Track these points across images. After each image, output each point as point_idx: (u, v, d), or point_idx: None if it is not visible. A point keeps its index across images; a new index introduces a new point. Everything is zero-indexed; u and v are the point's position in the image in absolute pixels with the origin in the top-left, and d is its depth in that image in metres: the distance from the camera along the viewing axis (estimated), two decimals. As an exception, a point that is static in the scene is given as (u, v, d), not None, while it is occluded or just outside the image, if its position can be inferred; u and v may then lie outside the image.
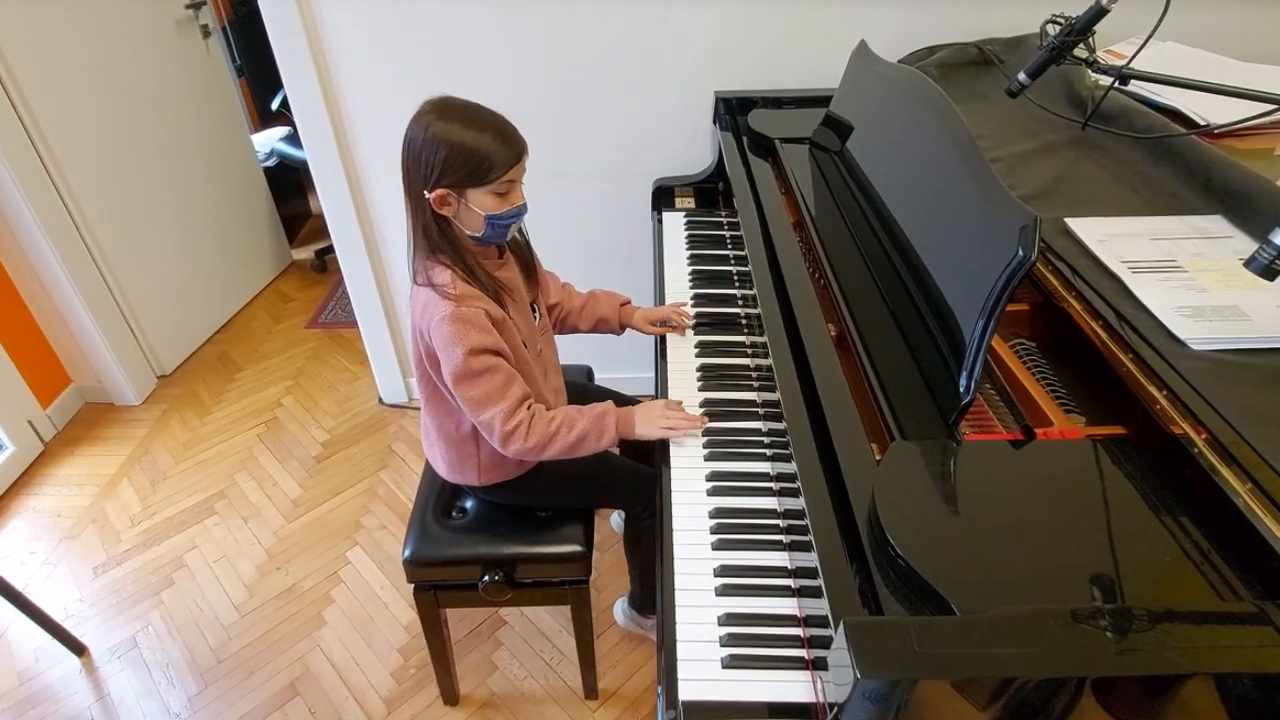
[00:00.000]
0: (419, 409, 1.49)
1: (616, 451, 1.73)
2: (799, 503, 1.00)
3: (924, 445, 0.93)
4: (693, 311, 1.58)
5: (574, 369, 1.83)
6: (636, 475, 1.54)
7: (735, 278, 1.72)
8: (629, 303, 1.63)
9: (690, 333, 1.55)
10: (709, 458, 1.26)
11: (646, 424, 1.32)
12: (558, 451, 1.30)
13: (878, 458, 0.96)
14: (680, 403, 1.34)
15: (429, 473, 1.58)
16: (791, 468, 1.06)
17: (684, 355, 1.50)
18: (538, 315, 1.44)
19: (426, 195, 1.19)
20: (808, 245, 1.43)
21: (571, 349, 1.88)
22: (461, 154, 1.16)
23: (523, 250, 1.40)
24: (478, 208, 1.21)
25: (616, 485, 1.54)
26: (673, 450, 1.27)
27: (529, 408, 1.29)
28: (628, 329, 1.61)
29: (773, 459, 1.24)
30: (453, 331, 1.21)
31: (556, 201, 2.21)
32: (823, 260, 1.31)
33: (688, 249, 1.83)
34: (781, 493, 1.18)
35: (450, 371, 1.23)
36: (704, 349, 1.51)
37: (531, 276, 1.42)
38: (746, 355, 1.49)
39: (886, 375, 1.05)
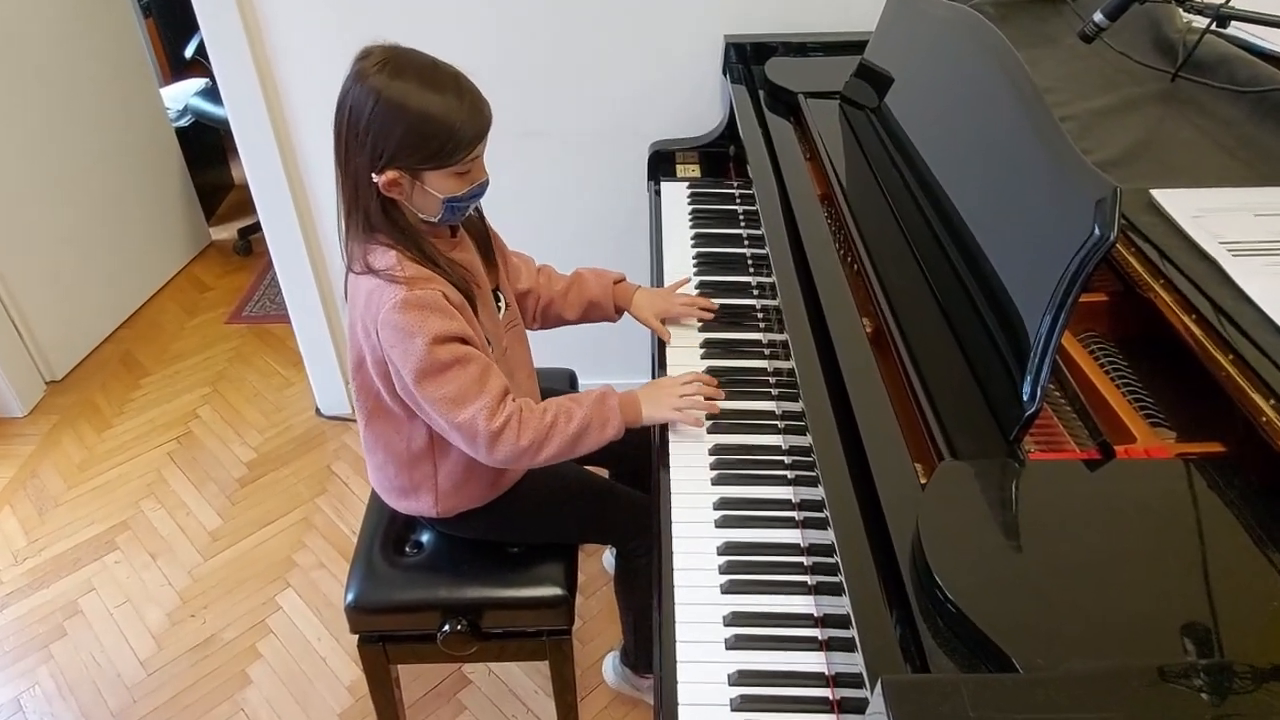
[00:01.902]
0: (364, 422, 1.49)
1: (606, 474, 1.73)
2: (826, 536, 1.00)
3: (979, 466, 0.93)
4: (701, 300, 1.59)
5: (552, 374, 1.84)
6: (630, 503, 1.54)
7: (750, 262, 1.71)
8: (624, 280, 1.62)
9: (695, 330, 1.55)
10: (718, 481, 1.26)
11: (656, 404, 1.33)
12: (557, 449, 1.30)
13: (923, 481, 0.96)
14: (693, 379, 1.36)
15: (376, 500, 1.58)
16: (818, 493, 1.05)
17: (688, 357, 1.50)
18: (502, 305, 1.45)
19: (375, 179, 1.19)
20: (838, 223, 1.43)
21: (548, 348, 1.87)
22: (423, 129, 1.15)
23: (477, 226, 1.41)
24: (436, 190, 1.21)
25: (606, 515, 1.55)
26: (674, 472, 1.28)
27: (514, 400, 1.29)
28: (625, 314, 1.61)
29: (795, 483, 1.24)
30: (408, 320, 1.20)
31: (529, 169, 2.21)
32: (856, 241, 1.31)
33: (692, 228, 1.82)
34: (805, 524, 1.17)
35: (412, 369, 1.22)
36: (712, 349, 1.51)
37: (490, 258, 1.43)
38: (763, 357, 1.49)
39: (934, 381, 1.04)
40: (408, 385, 1.25)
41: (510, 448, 1.27)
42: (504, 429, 1.26)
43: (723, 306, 1.59)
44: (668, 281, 1.66)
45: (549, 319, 1.60)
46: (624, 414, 1.33)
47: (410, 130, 1.15)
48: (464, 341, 1.25)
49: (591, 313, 1.61)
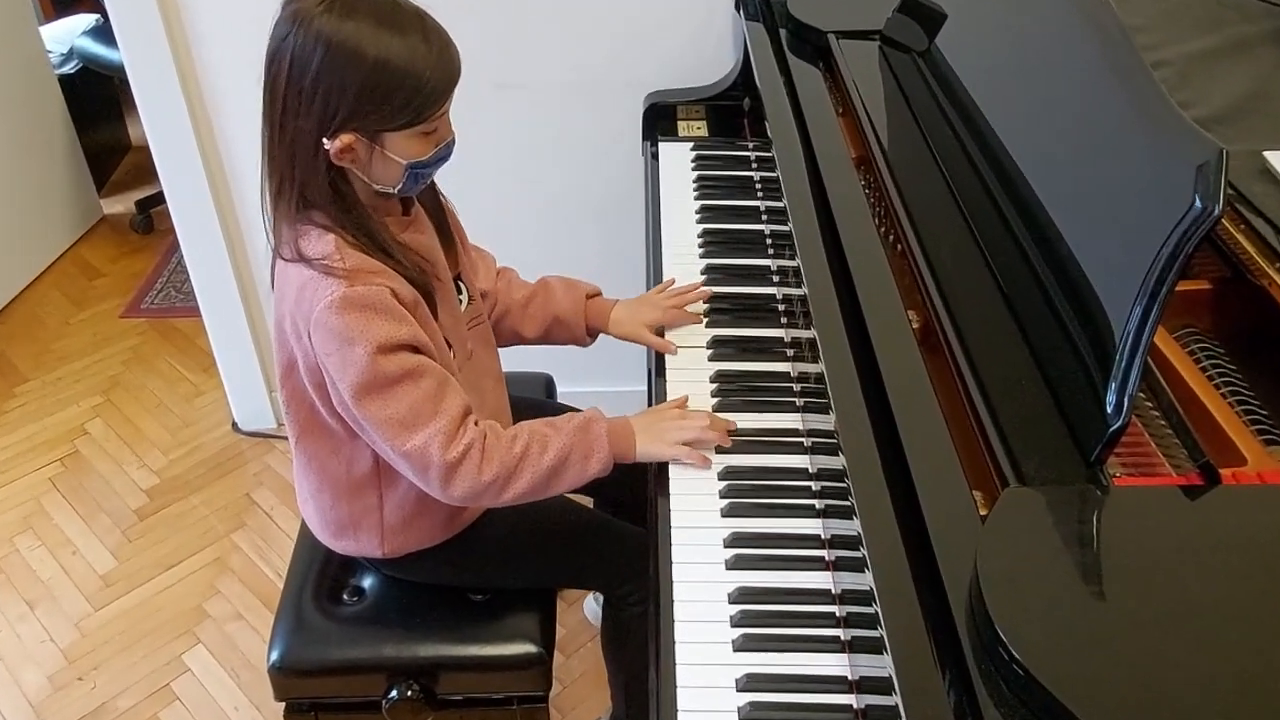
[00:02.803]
0: (293, 440, 1.48)
1: (590, 504, 1.73)
2: (863, 580, 0.99)
3: (1052, 494, 0.92)
4: (703, 294, 1.60)
5: (525, 380, 1.83)
6: (620, 540, 1.54)
7: (768, 242, 1.70)
8: (600, 294, 1.63)
9: (701, 327, 1.55)
10: (730, 512, 1.26)
11: (652, 437, 1.33)
12: (527, 487, 1.30)
13: (983, 512, 0.96)
14: (704, 418, 1.34)
15: (308, 536, 1.57)
16: (852, 527, 1.05)
17: (692, 360, 1.49)
18: (465, 298, 1.45)
19: (326, 144, 1.19)
20: (878, 193, 1.42)
21: (520, 349, 1.87)
22: (385, 82, 1.16)
23: (430, 200, 1.42)
24: (398, 155, 1.22)
25: (591, 554, 1.55)
26: (676, 502, 1.27)
27: (476, 424, 1.29)
28: (599, 336, 1.62)
29: (824, 515, 1.23)
30: (347, 323, 1.20)
31: (495, 130, 2.21)
32: (900, 215, 1.31)
33: (697, 199, 1.81)
34: (837, 565, 1.17)
35: (352, 383, 1.23)
36: (722, 350, 1.51)
37: (449, 238, 1.44)
38: (785, 359, 1.48)
39: (997, 388, 1.04)
40: (345, 401, 1.26)
41: (469, 483, 1.27)
42: (463, 460, 1.26)
43: (735, 297, 1.60)
44: (667, 269, 1.66)
45: (502, 334, 1.60)
46: (613, 446, 1.33)
47: (369, 84, 1.15)
48: (416, 350, 1.25)
49: (556, 332, 1.61)
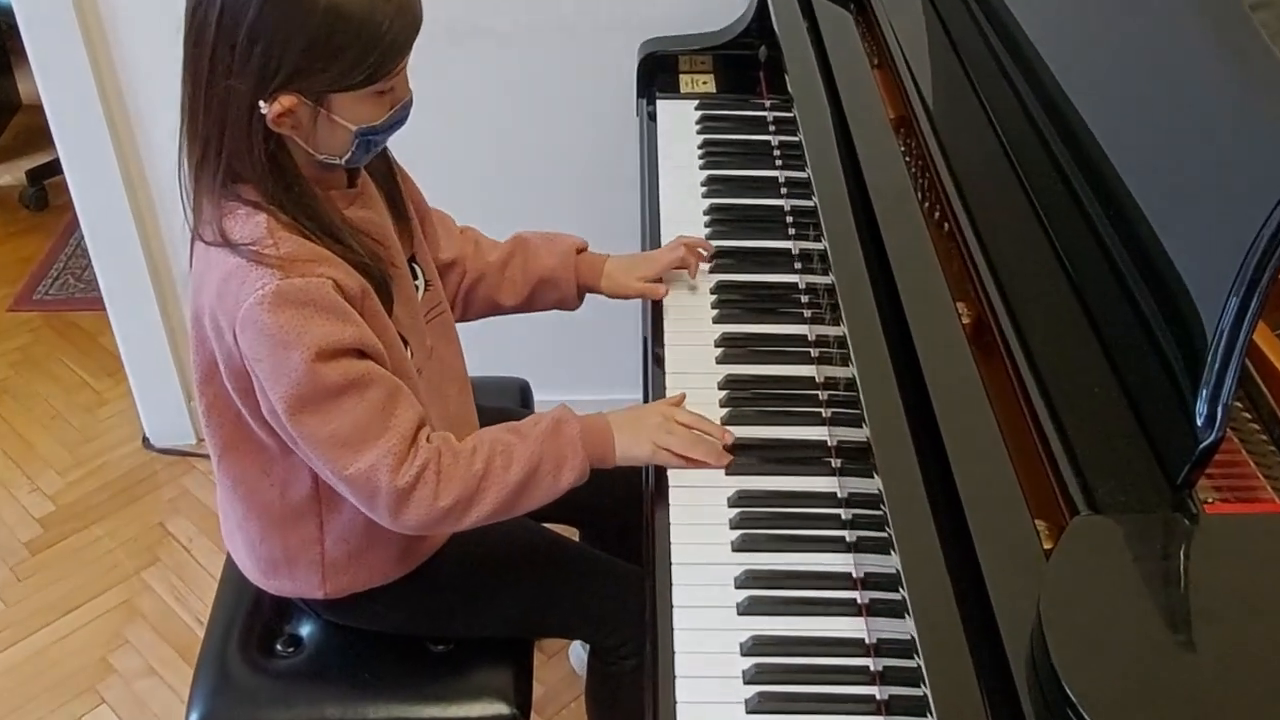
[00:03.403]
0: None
1: (577, 536, 1.73)
2: (903, 627, 0.99)
3: (1130, 523, 0.92)
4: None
5: (496, 386, 1.83)
6: (610, 579, 1.54)
7: (789, 220, 1.70)
8: (586, 249, 1.63)
9: (708, 322, 1.55)
10: (743, 546, 1.25)
11: (633, 435, 1.34)
12: (492, 508, 1.31)
13: (1046, 545, 0.96)
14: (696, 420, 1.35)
15: (234, 573, 1.55)
16: (890, 564, 1.05)
17: (697, 361, 1.49)
18: (421, 284, 1.45)
19: (262, 108, 1.19)
20: (922, 162, 1.42)
21: (490, 348, 1.87)
22: (335, 36, 1.15)
23: (381, 167, 1.42)
24: (347, 120, 1.22)
25: (575, 596, 1.54)
26: (678, 533, 1.26)
27: (429, 439, 1.29)
28: (591, 296, 1.62)
29: (856, 548, 1.23)
30: (282, 323, 1.20)
31: (465, 83, 2.21)
32: (949, 189, 1.30)
33: (704, 168, 1.81)
34: (872, 610, 1.16)
35: (286, 394, 1.22)
36: (734, 349, 1.51)
37: (403, 214, 1.44)
38: (808, 360, 1.48)
39: (1064, 396, 1.04)
40: (279, 415, 1.25)
41: (424, 511, 1.27)
42: (416, 484, 1.26)
43: (749, 286, 1.60)
44: (665, 245, 1.67)
45: (475, 305, 1.61)
46: (588, 448, 1.33)
47: (319, 37, 1.15)
48: (362, 354, 1.25)
49: (542, 294, 1.61)
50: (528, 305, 1.63)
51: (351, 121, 1.22)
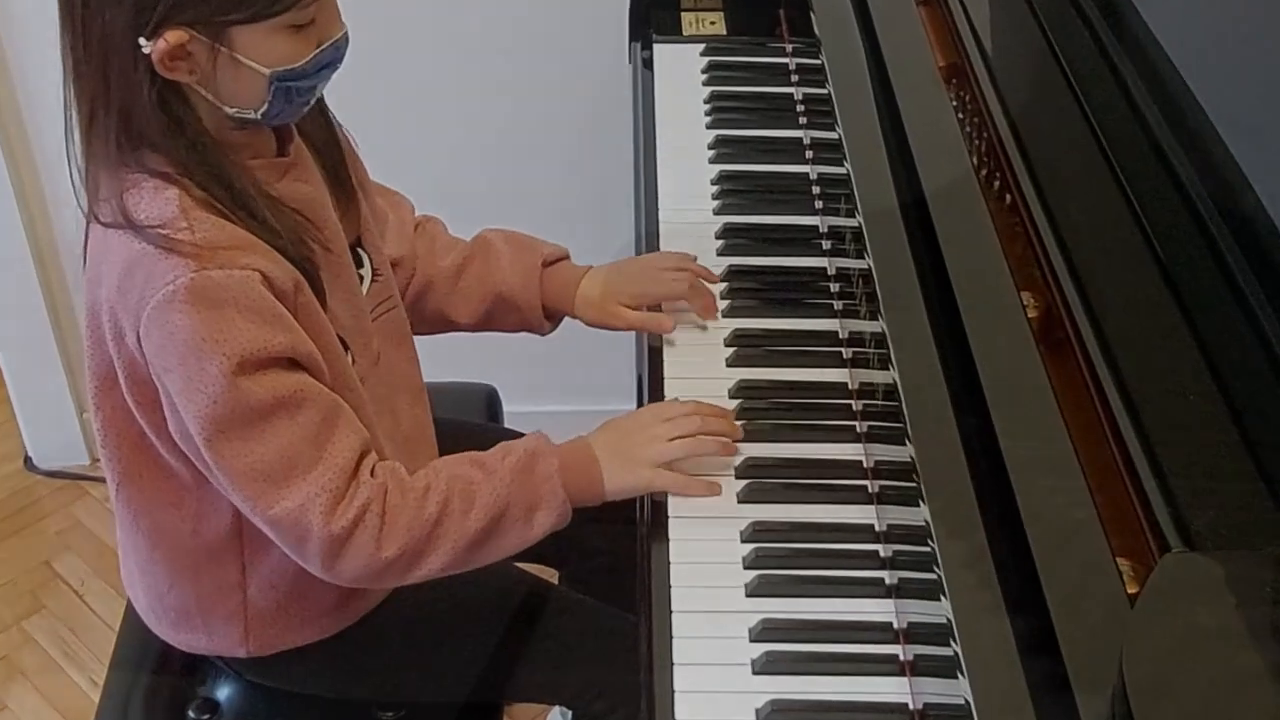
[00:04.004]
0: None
1: (555, 578, 1.73)
2: (956, 688, 0.97)
3: (1233, 562, 0.90)
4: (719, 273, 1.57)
5: (457, 394, 1.84)
6: (596, 629, 1.55)
7: (815, 190, 1.70)
8: (566, 259, 1.61)
9: (720, 315, 1.56)
10: (759, 590, 1.24)
11: (624, 463, 1.33)
12: (446, 560, 1.30)
13: (1132, 590, 0.94)
14: (692, 410, 1.37)
15: (136, 624, 1.54)
16: (940, 611, 1.04)
17: (705, 364, 1.50)
18: (367, 275, 1.43)
19: (143, 46, 1.16)
20: (978, 120, 1.41)
21: (452, 349, 1.87)
22: None
23: (320, 132, 1.41)
24: (255, 61, 1.20)
25: (551, 652, 1.54)
26: (679, 574, 1.25)
27: (373, 472, 1.28)
28: (562, 321, 1.62)
29: (898, 592, 1.22)
30: (197, 325, 1.19)
31: (409, 25, 2.23)
32: (1012, 154, 1.29)
33: (711, 127, 1.81)
34: (918, 667, 1.15)
35: (201, 414, 1.22)
36: (748, 349, 1.52)
37: (346, 188, 1.42)
38: (839, 362, 1.49)
39: (1151, 406, 1.02)
40: (192, 437, 1.24)
41: (364, 561, 1.27)
42: (355, 529, 1.25)
43: (768, 273, 1.59)
44: (666, 231, 1.66)
45: (425, 318, 1.60)
46: (570, 486, 1.32)
47: None
48: (294, 365, 1.23)
49: (500, 314, 1.60)
50: (485, 324, 1.61)
51: (263, 63, 1.20)
